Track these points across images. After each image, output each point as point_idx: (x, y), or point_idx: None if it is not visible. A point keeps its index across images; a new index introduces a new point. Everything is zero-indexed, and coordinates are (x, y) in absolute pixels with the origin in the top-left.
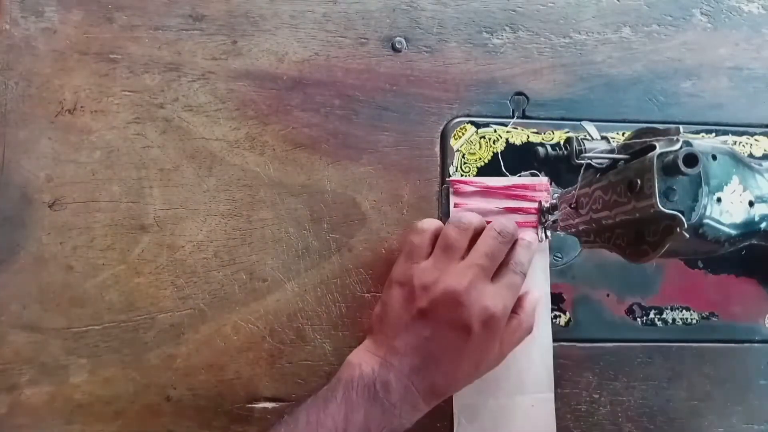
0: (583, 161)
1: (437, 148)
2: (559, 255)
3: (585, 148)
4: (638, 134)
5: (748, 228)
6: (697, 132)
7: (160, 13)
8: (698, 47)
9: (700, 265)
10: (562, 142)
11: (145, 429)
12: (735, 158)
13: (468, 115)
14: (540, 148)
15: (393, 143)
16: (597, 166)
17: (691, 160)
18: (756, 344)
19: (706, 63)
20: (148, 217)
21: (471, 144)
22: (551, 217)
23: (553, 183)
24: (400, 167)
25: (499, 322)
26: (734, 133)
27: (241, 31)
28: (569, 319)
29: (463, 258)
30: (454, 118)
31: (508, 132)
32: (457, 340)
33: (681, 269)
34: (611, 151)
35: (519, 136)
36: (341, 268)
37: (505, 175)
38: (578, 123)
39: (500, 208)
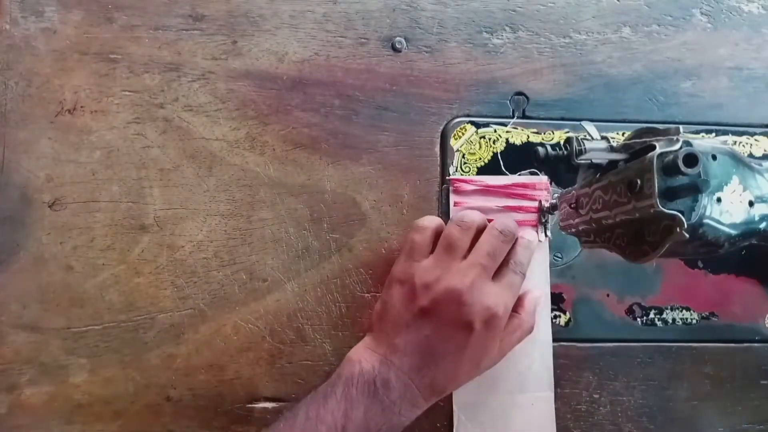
0: (583, 161)
1: (437, 148)
2: (559, 255)
3: (585, 148)
4: (638, 134)
5: (748, 228)
6: (697, 132)
7: (160, 13)
8: (698, 47)
9: (700, 265)
10: (562, 142)
11: (145, 429)
12: (735, 158)
13: (468, 115)
14: (540, 148)
15: (393, 143)
16: (597, 165)
17: (691, 160)
18: (756, 344)
19: (706, 63)
20: (148, 217)
21: (471, 144)
22: (551, 217)
23: (553, 183)
24: (400, 167)
25: (500, 321)
26: (734, 133)
27: (241, 31)
28: (569, 319)
29: (464, 257)
30: (454, 118)
31: (508, 132)
32: (459, 339)
33: (681, 269)
34: (611, 151)
35: (519, 136)
36: (341, 268)
37: (505, 174)
38: (578, 123)
39: (500, 207)
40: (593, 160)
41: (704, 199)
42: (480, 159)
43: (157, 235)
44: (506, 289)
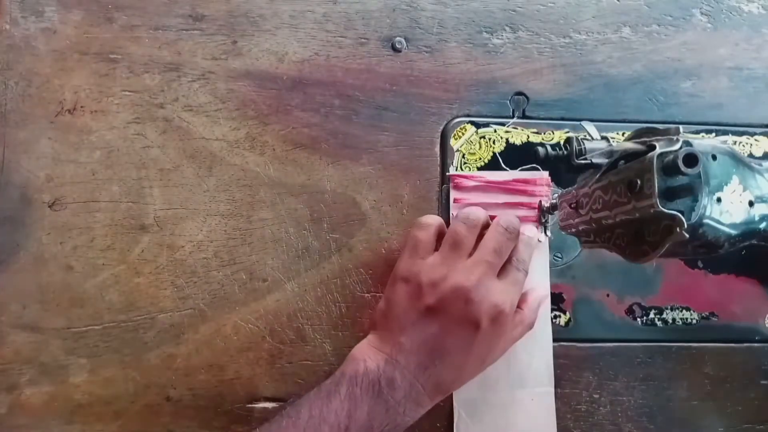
0: (583, 161)
1: (437, 148)
2: (559, 255)
3: (585, 148)
4: (638, 134)
5: (748, 228)
6: (697, 132)
7: (160, 13)
8: (698, 47)
9: (700, 265)
10: (562, 142)
11: (145, 429)
12: (735, 158)
13: (468, 115)
14: (540, 148)
15: (393, 143)
16: (597, 165)
17: (691, 160)
18: (756, 344)
19: (706, 63)
20: (148, 217)
21: (471, 144)
22: (551, 217)
23: (553, 183)
24: (400, 167)
25: (507, 318)
26: (734, 133)
27: (241, 31)
28: (569, 319)
29: (470, 254)
30: (454, 118)
31: (507, 132)
32: (466, 337)
33: (681, 269)
34: (611, 151)
35: (519, 136)
36: (341, 268)
37: (505, 170)
38: (578, 123)
39: (500, 204)
40: (593, 160)
41: (704, 199)
42: (480, 159)
43: (157, 235)
44: (511, 286)
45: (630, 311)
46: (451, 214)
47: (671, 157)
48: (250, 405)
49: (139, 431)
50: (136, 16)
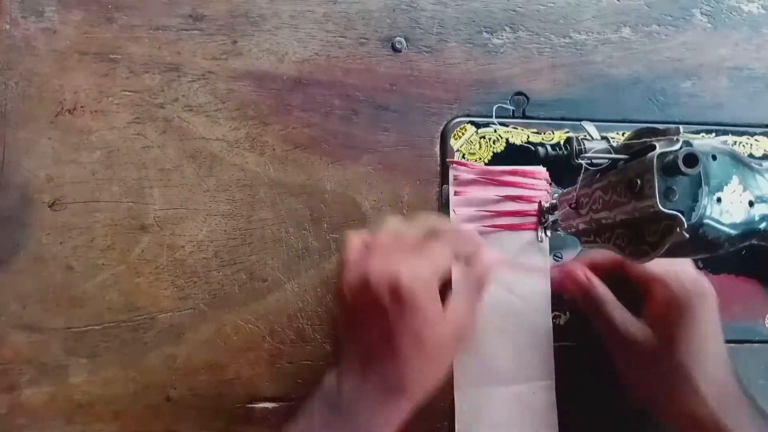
0: (583, 161)
1: (437, 148)
2: (559, 255)
3: (585, 148)
4: (638, 134)
5: (748, 228)
6: (697, 132)
7: (160, 13)
8: (698, 47)
9: (700, 265)
10: (562, 142)
11: (145, 429)
12: (735, 158)
13: (468, 115)
14: (540, 148)
15: (393, 143)
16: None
17: (691, 160)
18: (756, 344)
19: (706, 63)
20: (148, 217)
21: (471, 144)
22: (551, 217)
23: (553, 183)
24: (400, 167)
25: (410, 290)
26: (734, 133)
27: (241, 31)
28: (569, 319)
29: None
30: (454, 118)
31: (507, 132)
32: (381, 326)
33: None
34: (611, 151)
35: (519, 136)
36: None
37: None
38: (578, 123)
39: (500, 197)
40: (593, 160)
41: (704, 199)
42: (480, 159)
43: (157, 235)
44: (415, 256)
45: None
46: (451, 211)
47: (671, 157)
48: (250, 405)
49: (139, 431)
50: (136, 16)
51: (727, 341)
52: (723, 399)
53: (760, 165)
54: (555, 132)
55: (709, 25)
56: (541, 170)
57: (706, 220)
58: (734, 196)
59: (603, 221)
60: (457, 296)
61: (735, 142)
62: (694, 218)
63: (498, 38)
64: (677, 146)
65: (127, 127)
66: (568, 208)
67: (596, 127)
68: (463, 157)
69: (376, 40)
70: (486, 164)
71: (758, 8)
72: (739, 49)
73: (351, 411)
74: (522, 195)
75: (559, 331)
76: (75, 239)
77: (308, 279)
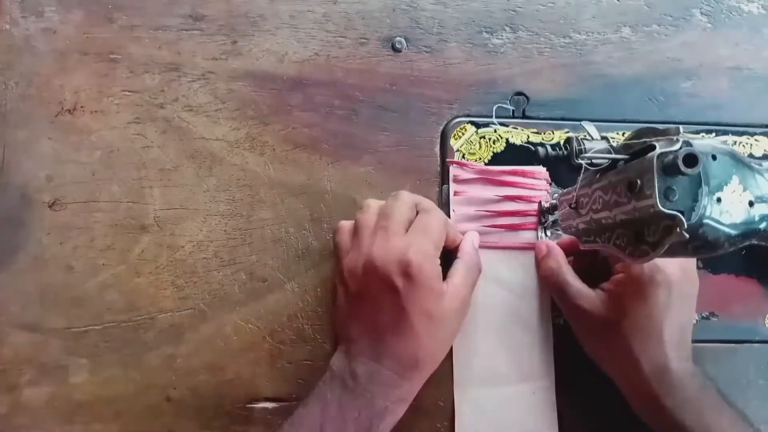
0: (583, 161)
1: (437, 148)
2: None
3: (585, 148)
4: (638, 134)
5: (748, 228)
6: (697, 132)
7: (160, 13)
8: (698, 47)
9: (700, 265)
10: (562, 142)
11: (145, 429)
12: (735, 158)
13: (468, 115)
14: (540, 148)
15: (393, 143)
16: (597, 165)
17: (691, 160)
18: (756, 344)
19: (706, 63)
20: (148, 217)
21: (471, 144)
22: (551, 217)
23: (553, 183)
24: (400, 167)
25: (418, 267)
26: (734, 133)
27: (241, 31)
28: None
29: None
30: (454, 118)
31: (507, 132)
32: (393, 305)
33: None
34: (611, 151)
35: (519, 136)
36: None
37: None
38: (578, 123)
39: (500, 197)
40: (593, 160)
41: (704, 199)
42: (480, 159)
43: (157, 235)
44: (416, 234)
45: None
46: (451, 211)
47: (671, 157)
48: (250, 405)
49: (139, 431)
50: (136, 16)
51: (727, 341)
52: (665, 381)
53: (760, 165)
54: (555, 132)
55: (709, 25)
56: (541, 170)
57: (706, 220)
58: (734, 196)
59: (603, 221)
60: (454, 271)
61: (735, 142)
62: (694, 218)
63: (498, 38)
64: (677, 146)
65: (127, 127)
66: (568, 208)
67: (596, 127)
68: (463, 157)
69: (376, 40)
70: (486, 164)
71: (758, 8)
72: (739, 49)
73: (367, 390)
74: (522, 195)
75: (559, 331)
76: (75, 239)
77: (308, 279)
